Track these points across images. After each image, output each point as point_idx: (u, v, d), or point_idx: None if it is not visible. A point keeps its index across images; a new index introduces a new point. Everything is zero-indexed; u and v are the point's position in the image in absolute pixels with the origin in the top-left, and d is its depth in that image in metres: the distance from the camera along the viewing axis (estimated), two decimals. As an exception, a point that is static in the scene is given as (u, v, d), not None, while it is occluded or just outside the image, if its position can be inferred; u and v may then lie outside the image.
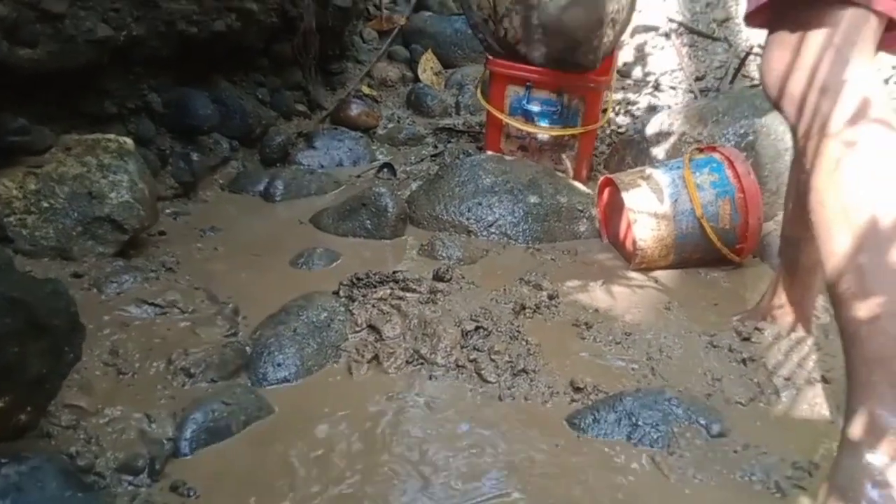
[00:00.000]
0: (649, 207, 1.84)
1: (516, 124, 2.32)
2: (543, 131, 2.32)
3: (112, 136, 1.73)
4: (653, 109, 3.06)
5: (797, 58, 1.00)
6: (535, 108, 2.29)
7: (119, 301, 1.48)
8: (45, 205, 1.58)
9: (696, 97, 3.08)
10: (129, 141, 1.75)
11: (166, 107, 2.06)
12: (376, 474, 1.15)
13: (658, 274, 1.90)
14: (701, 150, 1.95)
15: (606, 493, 1.14)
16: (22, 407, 0.84)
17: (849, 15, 0.96)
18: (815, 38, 0.98)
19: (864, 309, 0.95)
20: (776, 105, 1.07)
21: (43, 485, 0.80)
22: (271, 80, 2.66)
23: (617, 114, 3.07)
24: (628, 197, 1.85)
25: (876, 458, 0.95)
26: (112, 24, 1.74)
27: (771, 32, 1.06)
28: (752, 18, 1.09)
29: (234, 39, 2.27)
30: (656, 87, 3.27)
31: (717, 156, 1.89)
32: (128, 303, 1.47)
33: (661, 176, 1.87)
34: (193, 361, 1.31)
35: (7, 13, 1.49)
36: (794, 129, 1.05)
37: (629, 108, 3.15)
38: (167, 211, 2.04)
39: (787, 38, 1.02)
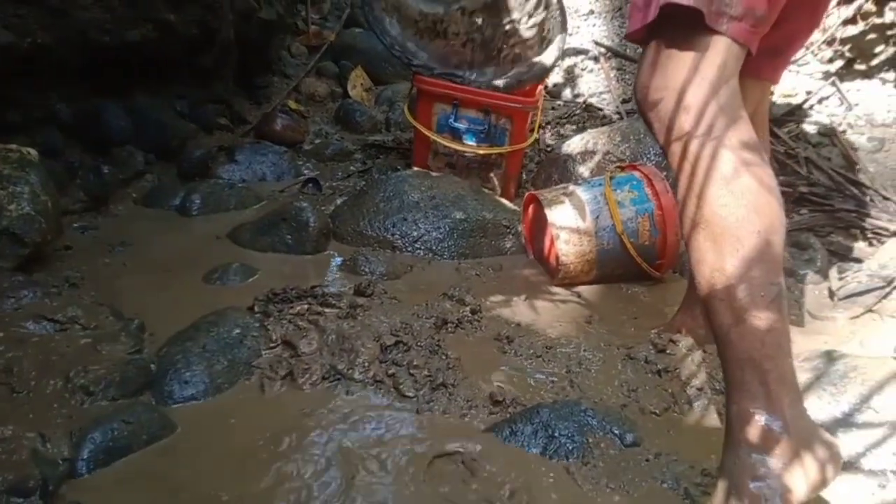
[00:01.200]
0: (571, 224, 1.86)
1: (443, 142, 2.32)
2: (470, 149, 2.33)
3: (14, 146, 1.64)
4: (581, 129, 3.13)
5: (665, 77, 1.04)
6: (462, 126, 2.30)
7: (16, 317, 1.39)
8: (-64, 216, 1.48)
9: (622, 117, 3.17)
10: (32, 151, 1.67)
11: (76, 118, 1.98)
12: (282, 495, 1.11)
13: (581, 289, 1.92)
14: (623, 168, 2.00)
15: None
16: None
17: (714, 41, 1.02)
18: (684, 59, 1.03)
19: (731, 313, 0.99)
20: (646, 120, 1.10)
21: None
22: (193, 92, 2.59)
23: (542, 131, 3.12)
24: (551, 213, 1.87)
25: (753, 453, 0.98)
26: (15, 31, 1.66)
27: (645, 49, 1.10)
28: (632, 35, 1.13)
29: (151, 51, 2.20)
30: (586, 108, 3.35)
31: (637, 174, 1.94)
32: (25, 319, 1.39)
33: (583, 193, 1.90)
34: (93, 379, 1.24)
35: None
36: (661, 146, 1.09)
37: (558, 127, 3.21)
38: (75, 225, 1.95)
39: (658, 57, 1.06)
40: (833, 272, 1.89)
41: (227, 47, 2.55)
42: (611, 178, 1.93)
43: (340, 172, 2.68)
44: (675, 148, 1.04)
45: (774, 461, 0.97)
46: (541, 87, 2.38)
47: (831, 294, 1.83)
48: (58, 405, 1.20)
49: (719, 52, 1.02)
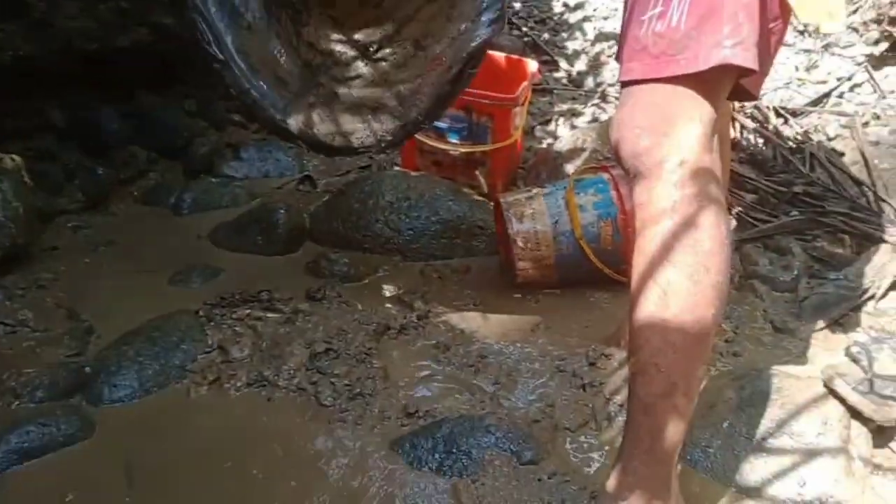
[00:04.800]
0: (529, 228, 1.84)
1: (427, 140, 2.33)
2: (453, 147, 2.32)
3: (-6, 154, 1.78)
4: (595, 121, 3.04)
5: (645, 119, 1.02)
6: (444, 124, 2.30)
7: (-26, 319, 1.53)
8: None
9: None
10: (15, 158, 1.81)
11: (71, 123, 2.11)
12: (184, 486, 1.20)
13: (542, 294, 1.89)
14: (594, 170, 1.95)
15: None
16: None
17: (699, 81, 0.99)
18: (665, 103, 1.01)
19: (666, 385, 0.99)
20: (618, 158, 1.07)
21: None
22: (202, 90, 2.69)
23: (554, 124, 3.05)
24: (509, 217, 1.85)
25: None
26: (-3, 45, 1.79)
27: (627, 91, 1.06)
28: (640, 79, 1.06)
29: (151, 52, 2.31)
30: (603, 97, 3.25)
31: (605, 176, 1.89)
32: (-18, 321, 1.52)
33: (545, 196, 1.87)
34: (23, 381, 1.35)
35: None
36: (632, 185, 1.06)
37: (573, 119, 3.13)
38: (69, 225, 2.08)
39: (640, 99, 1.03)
40: (804, 280, 1.79)
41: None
42: (577, 180, 1.89)
43: (344, 168, 2.73)
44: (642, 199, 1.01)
45: None
46: (525, 82, 2.34)
47: (800, 304, 1.73)
48: (-13, 406, 1.31)
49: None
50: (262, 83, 1.34)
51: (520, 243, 1.84)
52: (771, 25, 1.06)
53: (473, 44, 1.34)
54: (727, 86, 1.05)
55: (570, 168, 2.31)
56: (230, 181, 2.48)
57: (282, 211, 2.04)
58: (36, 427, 1.26)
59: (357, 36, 1.48)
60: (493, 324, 1.74)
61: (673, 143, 0.97)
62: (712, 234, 0.97)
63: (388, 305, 1.77)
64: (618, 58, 1.12)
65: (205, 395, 1.44)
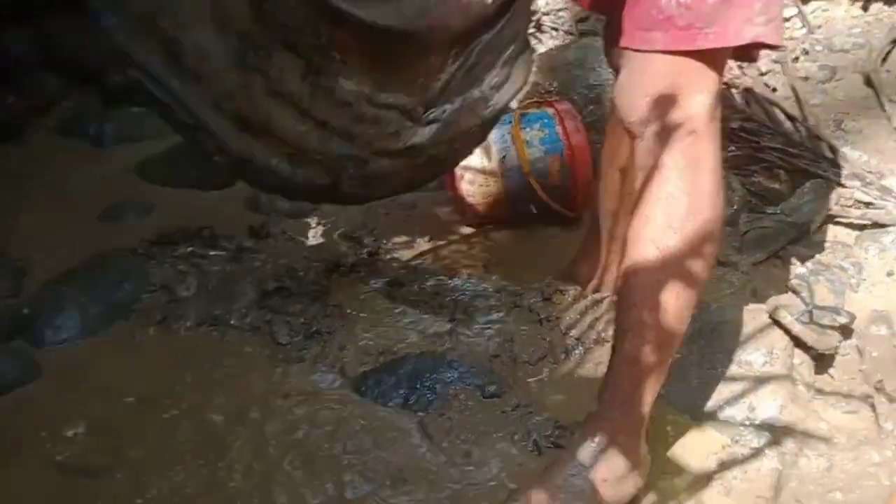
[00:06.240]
0: (477, 163, 1.83)
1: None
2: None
3: None
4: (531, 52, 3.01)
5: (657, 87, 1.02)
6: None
7: None
8: None
9: (575, 39, 3.04)
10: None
11: (-27, 46, 1.90)
12: (137, 430, 1.16)
13: (492, 230, 1.91)
14: (539, 105, 1.94)
15: (370, 456, 1.16)
16: None
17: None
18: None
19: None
20: (623, 121, 1.08)
21: None
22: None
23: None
24: (456, 152, 1.83)
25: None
26: None
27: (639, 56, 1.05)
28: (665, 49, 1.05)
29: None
30: (538, 27, 3.21)
31: (550, 110, 1.89)
32: None
33: (491, 132, 1.85)
34: (-43, 326, 1.25)
35: None
36: (637, 145, 1.07)
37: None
38: (-17, 157, 1.92)
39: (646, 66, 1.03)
40: (744, 215, 1.86)
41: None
42: (521, 114, 1.88)
43: (274, 98, 2.61)
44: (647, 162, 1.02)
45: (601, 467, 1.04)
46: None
47: (740, 238, 1.81)
48: (-87, 354, 1.21)
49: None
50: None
51: (468, 179, 1.83)
52: None
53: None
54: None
55: (512, 102, 2.30)
56: (152, 111, 2.33)
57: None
58: (-24, 372, 1.17)
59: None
60: (445, 261, 1.75)
61: (683, 112, 0.99)
62: (713, 202, 1.02)
63: (337, 242, 1.73)
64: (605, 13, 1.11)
65: (153, 335, 1.38)
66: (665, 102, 1.00)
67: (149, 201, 1.79)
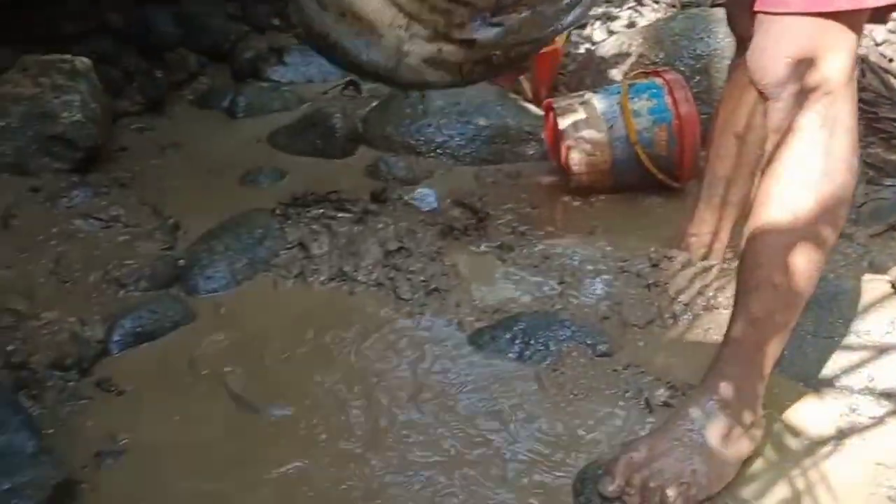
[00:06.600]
0: (584, 133, 1.88)
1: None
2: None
3: (67, 56, 1.81)
4: (632, 26, 3.01)
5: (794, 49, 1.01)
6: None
7: (69, 215, 1.60)
8: (2, 124, 1.69)
9: (677, 9, 3.02)
10: (85, 61, 1.83)
11: (128, 25, 2.12)
12: (286, 371, 1.31)
13: (596, 198, 1.95)
14: (646, 75, 1.97)
15: (489, 401, 1.26)
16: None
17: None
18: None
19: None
20: (757, 84, 1.08)
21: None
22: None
23: (589, 28, 3.02)
24: (564, 122, 1.89)
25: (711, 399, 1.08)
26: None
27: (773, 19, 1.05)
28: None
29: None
30: (639, 1, 3.20)
31: (658, 81, 1.91)
32: (76, 216, 1.59)
33: (598, 101, 1.91)
34: (127, 273, 1.44)
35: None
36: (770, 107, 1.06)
37: (609, 23, 3.10)
38: (133, 127, 2.13)
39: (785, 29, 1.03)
40: (861, 187, 1.84)
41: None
42: (630, 85, 1.91)
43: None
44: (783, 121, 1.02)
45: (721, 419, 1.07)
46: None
47: (857, 210, 1.79)
48: (96, 294, 1.41)
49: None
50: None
51: (575, 148, 1.89)
52: None
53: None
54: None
55: (614, 73, 2.33)
56: (278, 85, 2.51)
57: (338, 115, 2.08)
58: (147, 313, 1.36)
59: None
60: (552, 227, 1.82)
61: (821, 73, 0.99)
62: (848, 164, 1.01)
63: (449, 207, 1.84)
64: None
65: (291, 287, 1.53)
66: (802, 64, 1.00)
67: (281, 168, 1.96)
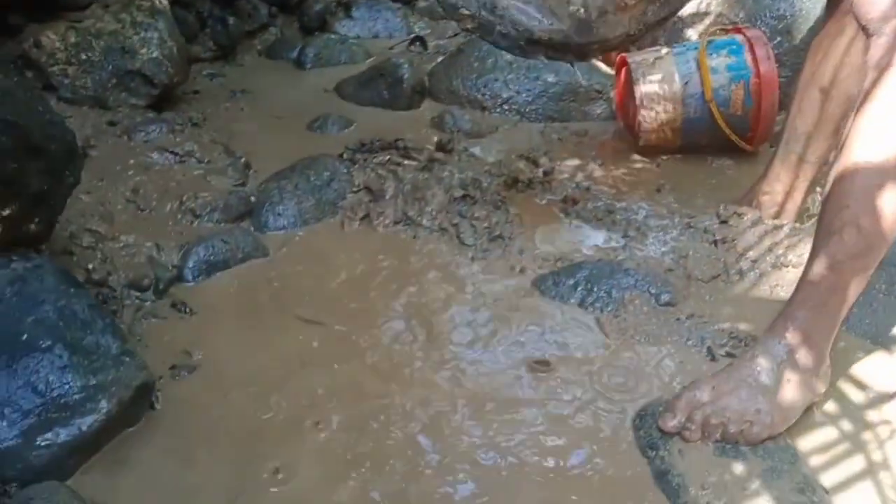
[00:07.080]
0: (657, 89, 1.84)
1: (547, 1, 2.29)
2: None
3: (147, -6, 1.85)
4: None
5: None
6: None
7: (145, 148, 1.65)
8: (84, 57, 1.75)
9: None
10: (163, 0, 1.87)
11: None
12: (351, 301, 1.35)
13: (663, 158, 1.92)
14: (726, 31, 1.92)
15: (550, 343, 1.28)
16: (30, 217, 1.02)
17: None
18: None
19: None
20: (860, 19, 1.05)
21: (42, 278, 0.99)
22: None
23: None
24: (638, 77, 1.85)
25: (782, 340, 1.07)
26: None
27: None
28: None
29: None
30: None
31: (739, 37, 1.85)
32: (152, 150, 1.64)
33: (675, 56, 1.86)
34: (201, 204, 1.48)
35: None
36: (873, 42, 1.03)
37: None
38: (204, 72, 2.18)
39: None
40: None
41: None
42: (709, 41, 1.86)
43: (450, 31, 2.73)
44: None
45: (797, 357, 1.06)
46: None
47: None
48: (171, 223, 1.46)
49: None
50: None
51: (647, 105, 1.85)
52: None
53: None
54: None
55: (691, 33, 2.26)
56: (345, 39, 2.53)
57: (406, 66, 2.08)
58: (220, 243, 1.39)
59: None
60: (618, 183, 1.79)
61: None
62: None
63: (515, 160, 1.83)
64: None
65: (357, 229, 1.56)
66: None
67: (348, 116, 1.98)
